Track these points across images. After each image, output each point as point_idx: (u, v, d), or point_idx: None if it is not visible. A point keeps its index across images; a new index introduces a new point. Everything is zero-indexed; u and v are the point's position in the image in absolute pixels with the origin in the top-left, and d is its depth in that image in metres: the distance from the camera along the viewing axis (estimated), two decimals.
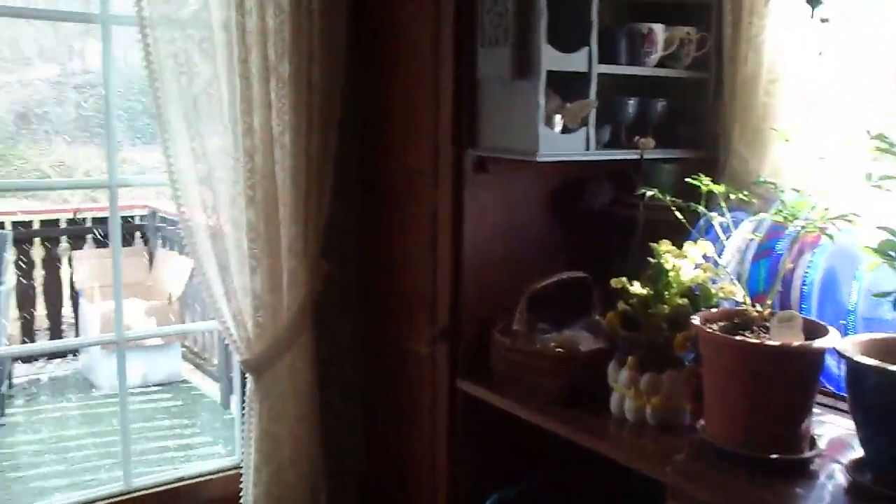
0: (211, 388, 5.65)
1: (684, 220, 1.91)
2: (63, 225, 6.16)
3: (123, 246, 6.10)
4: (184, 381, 5.85)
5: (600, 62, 2.10)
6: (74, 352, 6.07)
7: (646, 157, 2.21)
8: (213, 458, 4.26)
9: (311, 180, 2.42)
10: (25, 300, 5.94)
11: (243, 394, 2.52)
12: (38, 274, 6.00)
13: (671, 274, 1.91)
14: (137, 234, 6.37)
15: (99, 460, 4.49)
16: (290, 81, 2.33)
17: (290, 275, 2.43)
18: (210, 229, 2.32)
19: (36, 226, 6.00)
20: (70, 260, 6.06)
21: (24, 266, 5.91)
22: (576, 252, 2.35)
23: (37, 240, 5.96)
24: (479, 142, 2.21)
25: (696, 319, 1.74)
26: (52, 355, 6.04)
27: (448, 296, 2.31)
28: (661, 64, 2.24)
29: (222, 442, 4.79)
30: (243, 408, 2.50)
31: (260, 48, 2.27)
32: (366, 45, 2.56)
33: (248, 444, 2.47)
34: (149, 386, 5.62)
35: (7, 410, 5.19)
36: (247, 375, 2.47)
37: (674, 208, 1.90)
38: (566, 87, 2.08)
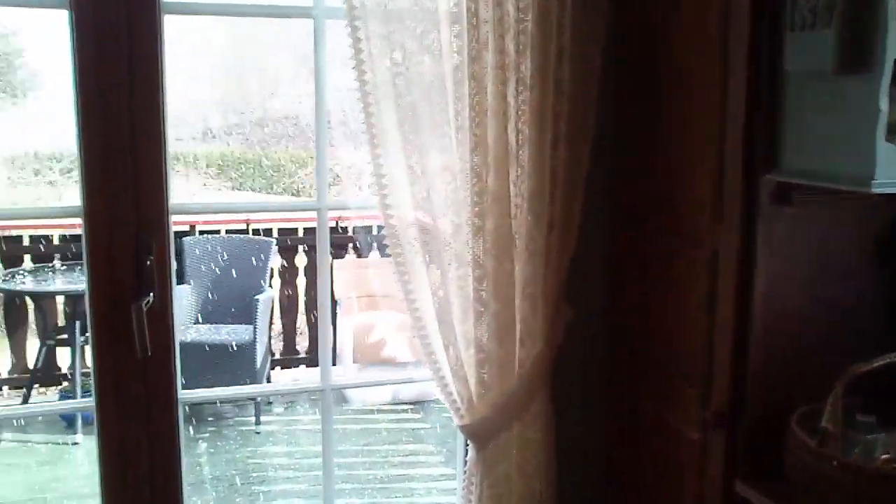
0: None
1: None
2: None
3: (364, 256, 6.05)
4: (437, 401, 5.57)
5: None
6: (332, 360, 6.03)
7: None
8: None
9: (554, 207, 1.93)
10: (288, 308, 5.98)
11: (464, 462, 2.09)
12: (301, 282, 6.01)
13: None
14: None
15: (338, 482, 4.30)
16: (534, 84, 1.85)
17: (524, 323, 1.96)
18: (426, 264, 1.91)
19: (300, 233, 6.02)
20: (331, 269, 6.03)
21: (286, 274, 5.95)
22: None
23: (300, 247, 5.98)
24: (781, 163, 1.59)
25: None
26: (310, 362, 6.03)
27: (728, 368, 1.72)
28: None
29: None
30: (463, 480, 2.07)
31: (496, 42, 1.82)
32: (626, 36, 2.03)
33: None
34: (398, 404, 5.42)
35: (264, 418, 5.19)
36: (467, 443, 2.04)
37: None
38: None
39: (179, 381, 2.00)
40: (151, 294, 1.87)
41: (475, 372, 1.96)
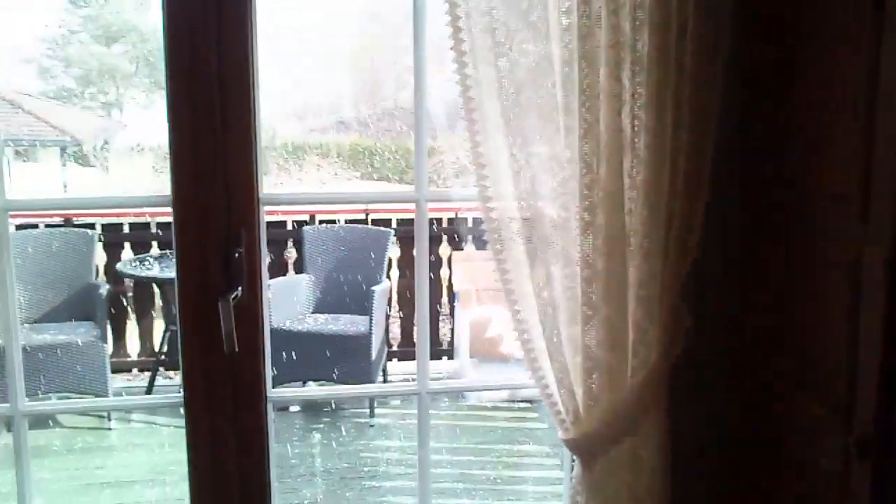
0: None
1: None
2: (445, 224, 6.05)
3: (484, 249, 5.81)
4: None
5: None
6: (447, 353, 5.93)
7: None
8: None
9: (674, 201, 1.73)
10: (405, 300, 5.92)
11: (570, 478, 1.92)
12: None
13: None
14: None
15: (449, 482, 4.20)
16: (651, 63, 1.66)
17: (637, 329, 1.77)
18: (530, 261, 1.75)
19: None
20: (450, 261, 5.93)
21: (404, 265, 5.89)
22: None
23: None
24: None
25: None
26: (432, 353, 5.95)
27: (874, 391, 1.48)
28: None
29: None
30: (569, 498, 1.90)
31: (609, 18, 1.63)
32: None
33: None
34: (516, 401, 5.26)
35: (379, 411, 5.14)
36: (574, 459, 1.86)
37: None
38: None
39: (269, 378, 1.92)
40: (240, 288, 1.79)
41: (582, 381, 1.79)
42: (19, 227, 5.27)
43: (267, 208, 1.85)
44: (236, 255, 1.78)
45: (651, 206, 1.70)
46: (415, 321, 5.93)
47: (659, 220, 1.72)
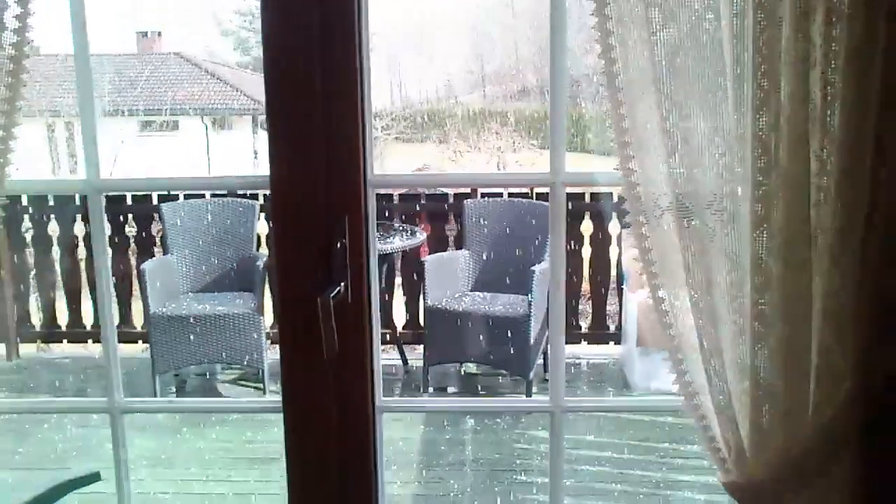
0: None
1: None
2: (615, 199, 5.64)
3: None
4: None
5: None
6: (614, 338, 5.56)
7: None
8: None
9: (877, 193, 1.34)
10: (568, 280, 5.58)
11: None
12: (586, 252, 5.59)
13: None
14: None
15: (609, 482, 3.87)
16: (853, 14, 1.27)
17: (823, 353, 1.39)
18: (685, 261, 1.41)
19: (587, 199, 5.57)
20: (619, 238, 5.54)
21: (569, 242, 5.55)
22: None
23: (586, 214, 5.53)
24: None
25: None
26: (591, 339, 5.61)
27: None
28: None
29: None
30: None
31: None
32: None
33: None
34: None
35: (538, 397, 4.85)
36: None
37: None
38: None
39: (379, 387, 1.68)
40: (342, 284, 1.56)
41: (749, 413, 1.43)
42: (188, 197, 5.35)
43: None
44: (338, 245, 1.54)
45: (846, 198, 1.32)
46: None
47: (857, 216, 1.33)
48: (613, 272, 5.60)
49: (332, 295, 1.54)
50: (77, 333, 5.80)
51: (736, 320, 1.42)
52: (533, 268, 4.73)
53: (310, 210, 1.55)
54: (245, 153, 12.93)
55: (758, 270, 1.37)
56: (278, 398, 1.67)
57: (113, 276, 5.51)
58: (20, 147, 1.46)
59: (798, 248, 1.35)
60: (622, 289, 5.43)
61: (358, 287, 1.59)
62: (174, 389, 5.06)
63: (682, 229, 1.40)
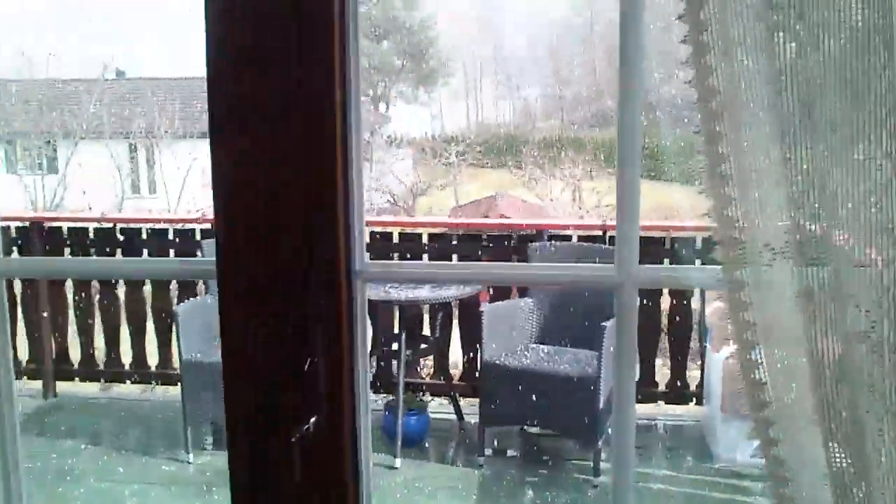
0: None
1: None
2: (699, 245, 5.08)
3: None
4: None
5: None
6: (696, 396, 4.98)
7: None
8: None
9: None
10: (643, 333, 5.03)
11: None
12: (665, 302, 5.03)
13: None
14: None
15: None
16: None
17: None
18: (804, 322, 0.92)
19: (666, 244, 5.01)
20: (703, 291, 4.96)
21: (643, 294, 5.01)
22: None
23: (665, 262, 4.98)
24: None
25: None
26: (669, 398, 5.04)
27: None
28: None
29: None
30: None
31: None
32: None
33: None
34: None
35: (605, 466, 4.30)
36: None
37: None
38: None
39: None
40: (313, 418, 1.12)
41: None
42: None
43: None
44: (307, 365, 1.10)
45: None
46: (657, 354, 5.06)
47: None
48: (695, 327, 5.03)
49: (301, 432, 1.10)
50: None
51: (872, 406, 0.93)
52: (604, 323, 4.20)
53: (268, 313, 1.11)
54: None
55: None
56: None
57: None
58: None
59: None
60: (705, 346, 4.85)
61: (339, 416, 1.14)
62: (211, 440, 4.67)
63: (801, 279, 0.92)
